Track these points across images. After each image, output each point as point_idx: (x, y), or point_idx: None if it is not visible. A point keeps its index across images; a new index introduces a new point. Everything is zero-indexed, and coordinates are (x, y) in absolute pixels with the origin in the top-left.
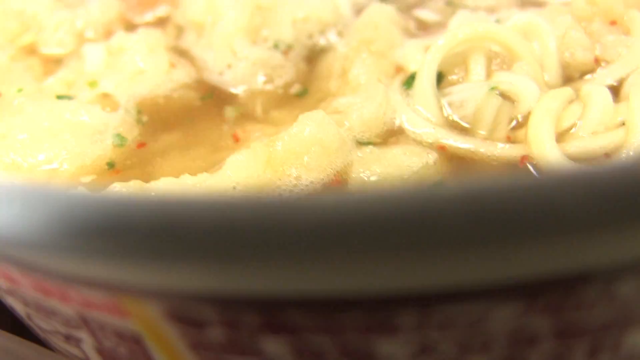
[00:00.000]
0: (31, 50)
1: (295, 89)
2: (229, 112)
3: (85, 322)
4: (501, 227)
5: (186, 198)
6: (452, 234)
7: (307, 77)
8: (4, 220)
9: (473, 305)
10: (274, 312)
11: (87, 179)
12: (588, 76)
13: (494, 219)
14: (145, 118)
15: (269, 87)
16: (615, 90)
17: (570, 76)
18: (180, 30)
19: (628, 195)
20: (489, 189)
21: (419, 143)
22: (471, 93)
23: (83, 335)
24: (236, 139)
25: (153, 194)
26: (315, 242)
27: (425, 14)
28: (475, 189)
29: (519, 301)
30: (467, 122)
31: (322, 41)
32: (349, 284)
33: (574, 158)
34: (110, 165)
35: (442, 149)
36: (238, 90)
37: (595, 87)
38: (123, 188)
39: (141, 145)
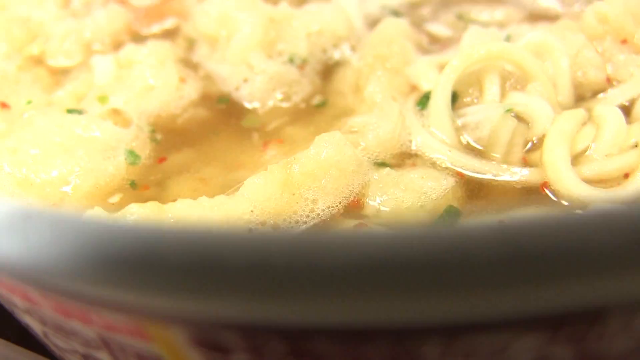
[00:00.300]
0: (38, 60)
1: (311, 105)
2: (246, 124)
3: (105, 344)
4: (531, 269)
5: (217, 231)
6: (481, 275)
7: (322, 92)
8: (31, 248)
9: (497, 335)
10: (299, 341)
11: (108, 198)
12: (600, 95)
13: (524, 260)
14: (158, 135)
15: (285, 104)
16: (627, 110)
17: (583, 95)
18: (190, 43)
19: None
20: (517, 228)
21: (435, 166)
22: (486, 115)
23: (103, 355)
24: (265, 146)
25: (179, 223)
26: (344, 279)
27: (437, 28)
28: (504, 229)
29: (542, 332)
30: (482, 145)
31: (336, 55)
32: (375, 317)
33: (589, 181)
34: (133, 185)
35: (460, 175)
36: (254, 105)
37: (608, 108)
38: (140, 209)
39: (162, 160)
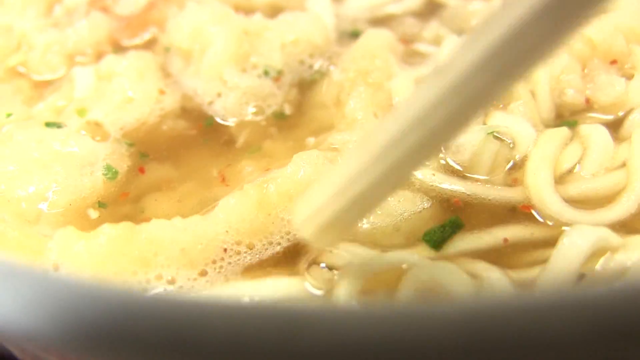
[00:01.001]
0: (21, 72)
1: (289, 118)
2: (224, 139)
3: None
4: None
5: (194, 305)
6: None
7: (299, 105)
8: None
9: None
10: None
11: (85, 214)
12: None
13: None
14: (136, 149)
15: (260, 117)
16: (615, 126)
17: (561, 114)
18: (168, 51)
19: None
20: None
21: (414, 188)
22: (467, 138)
23: None
24: (222, 180)
25: (156, 297)
26: None
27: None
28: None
29: None
30: (464, 167)
31: (316, 65)
32: None
33: (575, 200)
34: (103, 205)
35: (440, 197)
36: (229, 121)
37: (595, 128)
38: (112, 230)
39: (139, 175)
